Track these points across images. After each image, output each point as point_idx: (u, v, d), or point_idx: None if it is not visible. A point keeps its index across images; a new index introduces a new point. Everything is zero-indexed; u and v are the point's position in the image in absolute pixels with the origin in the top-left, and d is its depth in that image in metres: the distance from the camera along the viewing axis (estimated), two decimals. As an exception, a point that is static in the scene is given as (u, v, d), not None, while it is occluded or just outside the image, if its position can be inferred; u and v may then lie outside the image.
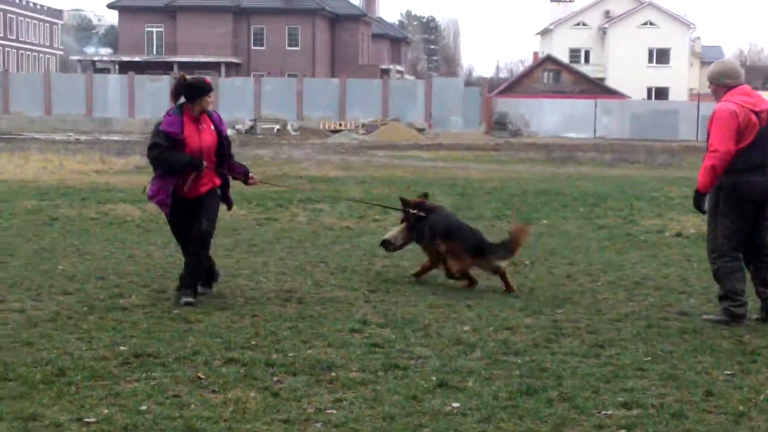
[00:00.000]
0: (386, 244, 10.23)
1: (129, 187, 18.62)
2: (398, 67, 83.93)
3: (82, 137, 46.89)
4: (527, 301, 8.75)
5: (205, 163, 8.39)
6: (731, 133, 7.85)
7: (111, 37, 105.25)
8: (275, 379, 6.10)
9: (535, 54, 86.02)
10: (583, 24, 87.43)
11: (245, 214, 15.20)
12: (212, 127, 8.52)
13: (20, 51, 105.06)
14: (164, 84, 57.72)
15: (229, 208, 9.00)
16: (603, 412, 5.56)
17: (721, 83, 8.14)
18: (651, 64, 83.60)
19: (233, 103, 60.84)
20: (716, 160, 7.87)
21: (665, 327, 7.77)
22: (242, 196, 16.61)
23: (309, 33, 73.50)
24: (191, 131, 8.35)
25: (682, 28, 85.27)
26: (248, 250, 11.62)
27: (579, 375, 6.30)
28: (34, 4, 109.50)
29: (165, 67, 68.13)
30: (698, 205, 8.19)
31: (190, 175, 8.38)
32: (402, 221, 10.21)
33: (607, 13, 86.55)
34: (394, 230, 10.39)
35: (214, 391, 5.82)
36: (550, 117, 60.77)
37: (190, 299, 8.29)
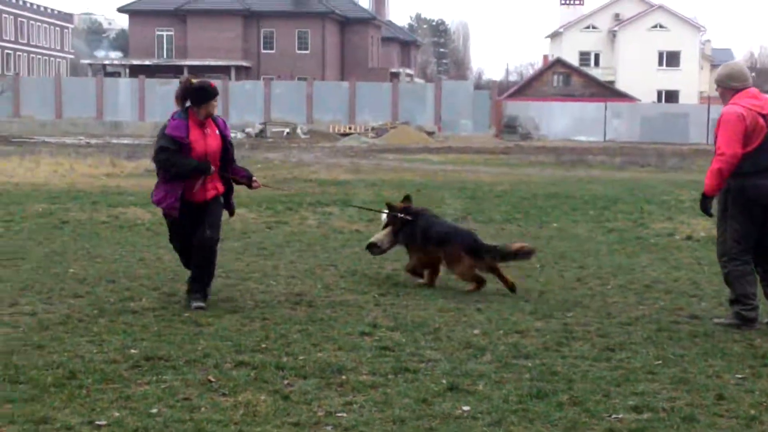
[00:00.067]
0: (372, 247, 10.17)
1: (139, 190, 18.65)
2: (408, 71, 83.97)
3: (93, 141, 47.00)
4: (537, 305, 8.74)
5: (213, 168, 8.38)
6: (738, 136, 7.84)
7: (121, 41, 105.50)
8: (285, 382, 6.11)
9: (545, 57, 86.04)
10: (593, 27, 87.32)
11: (255, 217, 15.21)
12: (217, 131, 8.48)
13: (31, 55, 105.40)
14: (174, 87, 57.39)
15: (231, 214, 8.89)
16: (614, 416, 5.56)
17: (729, 86, 8.13)
18: (661, 67, 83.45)
19: (243, 106, 61.01)
20: (723, 163, 7.85)
21: (676, 330, 7.75)
22: (252, 200, 16.65)
23: (319, 36, 73.58)
24: (197, 135, 8.31)
25: (692, 31, 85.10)
26: (258, 254, 11.63)
27: (589, 378, 6.29)
28: (45, 8, 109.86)
29: (175, 71, 68.23)
30: (705, 208, 8.17)
31: (198, 180, 8.36)
32: (386, 225, 10.16)
33: (617, 16, 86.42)
34: (380, 234, 10.27)
35: (224, 394, 5.83)
36: (559, 120, 60.74)
37: (201, 303, 8.30)
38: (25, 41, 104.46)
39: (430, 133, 56.00)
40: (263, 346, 6.99)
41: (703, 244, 12.85)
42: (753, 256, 8.07)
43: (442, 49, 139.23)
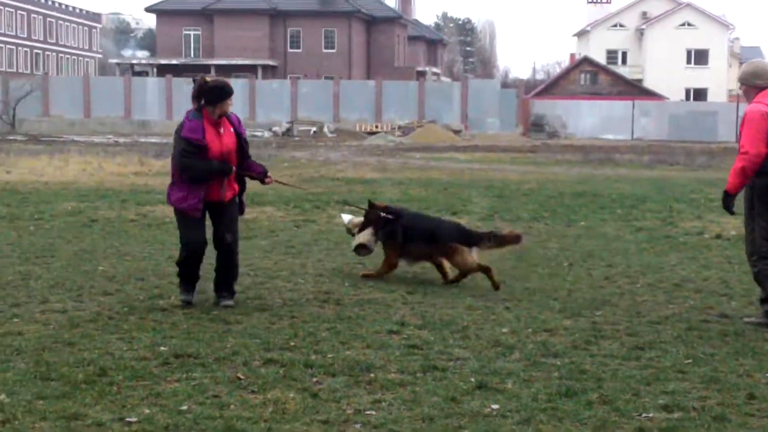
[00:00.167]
0: (362, 248, 10.06)
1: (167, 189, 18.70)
2: (434, 69, 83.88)
3: (121, 139, 47.28)
4: (566, 303, 8.71)
5: (233, 168, 8.34)
6: (762, 135, 7.78)
7: (149, 41, 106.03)
8: (314, 380, 6.12)
9: (572, 55, 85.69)
10: (620, 25, 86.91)
11: (283, 215, 15.24)
12: (231, 129, 8.40)
13: (60, 54, 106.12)
14: (202, 87, 57.94)
15: (242, 213, 8.80)
16: (644, 415, 5.53)
17: (753, 84, 8.07)
18: (689, 65, 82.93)
19: (270, 105, 61.23)
20: (746, 162, 7.80)
21: (706, 329, 7.70)
22: (280, 198, 16.69)
23: (345, 35, 73.65)
24: (212, 135, 8.22)
25: (720, 29, 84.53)
26: (286, 252, 11.66)
27: (619, 377, 6.27)
28: (74, 8, 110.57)
29: (202, 70, 68.38)
30: (727, 206, 8.13)
31: (219, 181, 8.34)
32: (366, 225, 10.06)
33: (644, 14, 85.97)
34: (365, 235, 10.06)
35: (253, 392, 5.84)
36: (587, 118, 60.53)
37: (229, 302, 8.33)
38: (54, 41, 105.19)
39: (457, 132, 55.96)
40: (292, 343, 7.00)
41: (733, 242, 12.77)
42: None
43: (468, 48, 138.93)
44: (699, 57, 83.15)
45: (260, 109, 61.33)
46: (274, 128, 56.05)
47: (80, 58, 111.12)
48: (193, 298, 8.47)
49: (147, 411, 5.45)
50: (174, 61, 71.52)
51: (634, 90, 70.63)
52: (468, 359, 6.68)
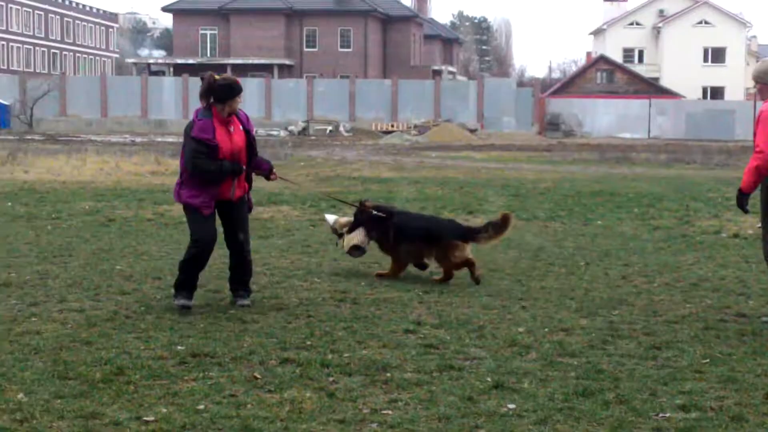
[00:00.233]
0: (356, 249, 10.01)
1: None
2: (450, 68, 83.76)
3: (138, 139, 47.45)
4: (582, 303, 8.69)
5: (244, 168, 8.34)
6: None
7: (165, 40, 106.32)
8: (331, 379, 6.12)
9: (588, 54, 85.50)
10: (637, 23, 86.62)
11: (299, 215, 15.26)
12: (241, 127, 8.36)
13: (77, 54, 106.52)
14: (218, 86, 58.07)
15: (249, 211, 8.75)
16: (661, 415, 5.51)
17: (767, 81, 8.02)
18: (706, 64, 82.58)
19: (286, 104, 61.33)
20: (761, 161, 7.75)
21: (723, 329, 7.67)
22: (296, 198, 16.70)
23: (361, 34, 73.68)
24: (222, 134, 8.16)
25: (737, 27, 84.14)
26: (302, 251, 11.67)
27: (636, 377, 6.25)
28: (91, 7, 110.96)
29: (219, 69, 68.00)
30: (741, 205, 8.10)
31: (232, 181, 8.33)
32: (357, 224, 10.03)
33: (661, 12, 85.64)
34: (358, 234, 10.01)
35: (270, 391, 5.85)
36: (603, 117, 60.40)
37: (246, 301, 8.35)
38: (71, 41, 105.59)
39: (473, 131, 55.91)
40: (308, 343, 7.01)
41: (751, 242, 12.71)
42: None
43: (484, 47, 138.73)
44: (716, 55, 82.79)
45: (276, 108, 61.44)
46: (290, 127, 56.15)
47: (97, 58, 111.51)
48: (191, 303, 8.25)
49: (164, 410, 5.47)
50: (190, 61, 71.68)
51: (651, 88, 70.38)
52: (484, 359, 6.67)
